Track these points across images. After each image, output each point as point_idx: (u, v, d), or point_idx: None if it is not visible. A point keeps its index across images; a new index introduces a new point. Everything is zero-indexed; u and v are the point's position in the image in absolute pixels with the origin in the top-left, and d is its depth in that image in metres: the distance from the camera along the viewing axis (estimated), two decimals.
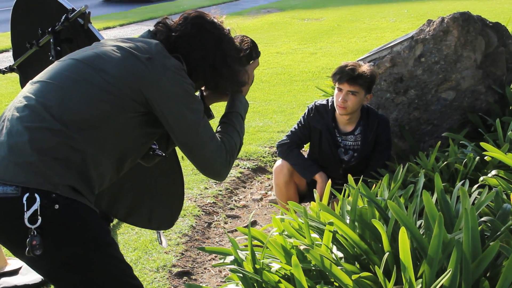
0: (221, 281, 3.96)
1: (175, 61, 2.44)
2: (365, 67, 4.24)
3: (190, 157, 2.50)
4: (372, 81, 4.29)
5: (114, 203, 3.53)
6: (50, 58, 3.45)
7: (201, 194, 5.33)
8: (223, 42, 2.59)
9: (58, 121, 2.24)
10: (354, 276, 2.43)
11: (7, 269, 4.07)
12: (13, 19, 4.21)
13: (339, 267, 2.49)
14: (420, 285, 2.37)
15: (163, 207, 3.56)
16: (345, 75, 4.19)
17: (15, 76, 10.07)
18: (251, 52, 2.73)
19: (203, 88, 2.78)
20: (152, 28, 2.64)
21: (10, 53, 12.79)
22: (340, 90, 4.25)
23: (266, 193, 5.52)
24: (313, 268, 2.70)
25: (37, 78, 2.43)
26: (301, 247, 2.75)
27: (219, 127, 2.64)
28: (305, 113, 4.54)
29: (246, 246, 3.24)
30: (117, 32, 16.54)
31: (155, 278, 3.92)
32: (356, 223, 2.88)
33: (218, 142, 2.50)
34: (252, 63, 2.76)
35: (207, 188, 5.45)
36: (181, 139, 2.45)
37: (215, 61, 2.56)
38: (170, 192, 3.50)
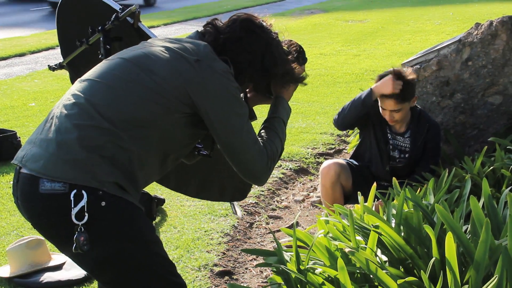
0: (262, 282, 3.96)
1: (222, 64, 2.44)
2: (404, 82, 4.19)
3: (231, 160, 2.50)
4: (413, 88, 4.27)
5: (183, 182, 3.57)
6: (100, 56, 3.49)
7: None
8: (272, 46, 2.58)
9: (106, 120, 2.26)
10: (399, 281, 2.41)
11: (51, 264, 4.12)
12: (60, 17, 4.26)
13: (384, 271, 2.48)
14: None
15: (234, 181, 3.55)
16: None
17: (61, 73, 10.24)
18: (298, 57, 2.72)
19: (247, 90, 2.78)
20: (200, 28, 2.65)
21: (56, 50, 12.96)
22: (383, 109, 4.25)
23: (308, 195, 5.51)
24: (357, 271, 2.69)
25: (86, 76, 2.46)
26: (346, 250, 2.74)
27: (262, 132, 2.64)
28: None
29: (288, 247, 3.24)
30: (161, 31, 16.66)
31: (196, 277, 3.94)
32: (402, 227, 2.86)
33: (260, 147, 2.49)
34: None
35: None
36: (224, 142, 2.45)
37: (263, 64, 2.56)
38: None
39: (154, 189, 5.23)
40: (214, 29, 2.58)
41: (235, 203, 3.98)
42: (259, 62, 2.55)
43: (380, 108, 4.31)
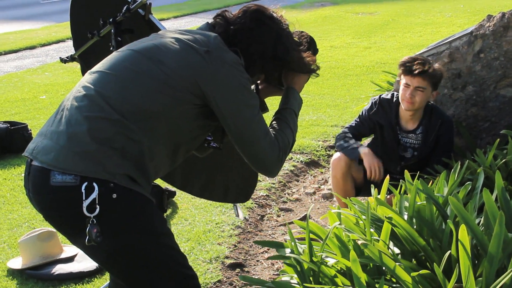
0: (274, 274, 3.96)
1: (233, 55, 2.44)
2: (433, 65, 4.19)
3: (242, 152, 2.50)
4: (440, 79, 4.25)
5: (188, 180, 3.57)
6: (111, 48, 3.48)
7: None
8: (282, 37, 2.57)
9: (116, 111, 2.26)
10: (413, 273, 2.40)
11: (63, 256, 4.13)
12: (73, 9, 4.26)
13: (397, 263, 2.47)
14: (480, 285, 2.34)
15: (238, 183, 3.56)
16: (416, 69, 4.14)
17: (71, 66, 10.27)
18: (309, 48, 2.71)
19: (258, 82, 2.77)
20: (210, 20, 2.64)
21: (66, 43, 12.99)
22: (407, 86, 4.19)
23: (319, 187, 5.50)
24: (370, 263, 2.69)
25: (96, 68, 2.46)
26: (359, 242, 2.73)
27: (273, 123, 2.63)
28: (367, 107, 4.50)
29: (299, 239, 3.23)
30: (171, 24, 16.66)
31: (208, 269, 3.94)
32: (414, 220, 2.85)
33: (271, 139, 2.48)
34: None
35: (260, 181, 5.44)
36: (235, 133, 2.44)
37: (275, 54, 2.55)
38: (244, 169, 3.49)
39: None
40: (224, 20, 2.57)
41: (238, 205, 3.98)
42: (270, 53, 2.55)
43: (401, 86, 4.27)
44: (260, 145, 2.45)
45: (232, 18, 2.58)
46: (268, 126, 2.54)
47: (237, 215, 4.03)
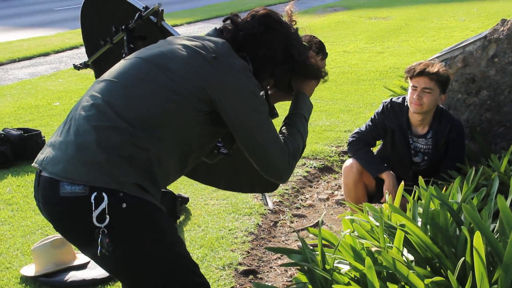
0: (287, 281, 3.94)
1: (241, 61, 2.43)
2: (440, 66, 4.18)
3: (252, 158, 2.48)
4: (447, 81, 4.23)
5: (214, 176, 3.57)
6: (123, 55, 3.49)
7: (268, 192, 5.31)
8: (291, 40, 2.56)
9: (124, 120, 2.25)
10: (427, 281, 2.38)
11: (76, 263, 4.13)
12: (84, 16, 4.27)
13: (411, 271, 2.45)
14: None
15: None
16: (421, 70, 4.12)
17: (85, 73, 10.30)
18: (318, 53, 2.69)
19: (268, 87, 2.76)
20: (218, 25, 2.63)
21: (80, 50, 13.04)
22: (414, 88, 4.18)
23: (333, 193, 5.48)
24: (384, 270, 2.67)
25: (103, 77, 2.45)
26: (373, 249, 2.71)
27: (283, 128, 2.61)
28: (379, 110, 4.48)
29: (313, 246, 3.21)
30: (184, 30, 16.69)
31: (221, 276, 3.93)
32: (428, 226, 2.83)
33: (281, 144, 2.47)
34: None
35: None
36: (245, 139, 2.43)
37: (284, 59, 2.54)
38: None
39: (178, 188, 5.23)
40: (233, 25, 2.56)
41: (266, 194, 3.96)
42: (279, 58, 2.53)
43: (409, 90, 4.25)
44: (270, 151, 2.43)
45: (241, 23, 2.57)
46: (278, 131, 2.53)
47: (266, 204, 4.00)
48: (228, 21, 2.60)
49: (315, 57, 2.65)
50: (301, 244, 2.97)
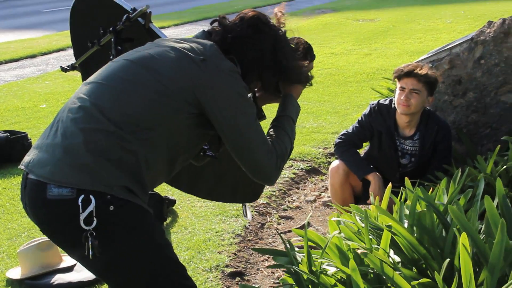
0: (274, 283, 3.94)
1: (229, 64, 2.43)
2: (429, 68, 4.20)
3: (240, 160, 2.48)
4: (435, 83, 4.25)
5: (196, 184, 3.56)
6: (111, 57, 3.48)
7: None
8: (279, 42, 2.57)
9: (112, 123, 2.25)
10: (413, 282, 2.38)
11: (62, 265, 4.12)
12: (72, 18, 4.26)
13: (397, 272, 2.45)
14: None
15: (247, 182, 3.54)
16: (410, 71, 4.14)
17: (72, 75, 10.24)
18: (306, 55, 2.70)
19: (256, 89, 2.76)
20: (206, 28, 2.62)
21: (67, 52, 12.98)
22: (402, 89, 4.19)
23: (320, 195, 5.48)
24: (370, 272, 2.67)
25: (91, 79, 2.45)
26: (359, 251, 2.71)
27: (270, 130, 2.62)
28: (366, 112, 4.49)
29: (300, 247, 3.21)
30: (172, 32, 16.66)
31: (208, 278, 3.92)
32: (414, 228, 2.83)
33: (269, 146, 2.47)
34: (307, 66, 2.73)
35: None
36: (232, 142, 2.43)
37: (272, 61, 2.54)
38: None
39: (165, 190, 5.21)
40: (221, 27, 2.56)
41: (247, 205, 3.96)
42: (267, 60, 2.54)
43: (396, 90, 4.27)
44: (257, 153, 2.43)
45: (229, 25, 2.57)
46: (266, 134, 2.53)
47: (245, 215, 4.00)
48: (216, 23, 2.60)
49: (301, 61, 2.65)
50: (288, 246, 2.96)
